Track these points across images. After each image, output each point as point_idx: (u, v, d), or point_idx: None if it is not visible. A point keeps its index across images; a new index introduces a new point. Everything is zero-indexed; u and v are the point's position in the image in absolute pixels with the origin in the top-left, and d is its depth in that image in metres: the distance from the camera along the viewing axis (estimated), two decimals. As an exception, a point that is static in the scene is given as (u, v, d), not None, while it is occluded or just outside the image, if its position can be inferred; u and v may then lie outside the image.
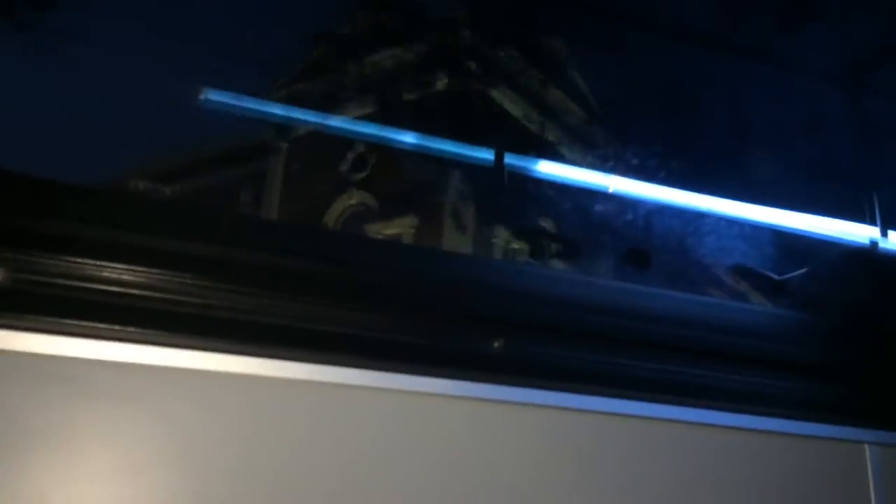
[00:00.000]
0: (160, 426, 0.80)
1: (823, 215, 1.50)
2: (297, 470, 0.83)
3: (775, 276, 1.26)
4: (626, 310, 1.04)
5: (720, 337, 1.06)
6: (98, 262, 0.83)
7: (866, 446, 1.07)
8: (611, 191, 1.52)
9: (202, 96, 1.49)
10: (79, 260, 0.82)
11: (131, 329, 0.81)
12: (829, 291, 1.25)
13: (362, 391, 0.89)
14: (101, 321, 0.80)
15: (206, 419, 0.81)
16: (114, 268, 0.83)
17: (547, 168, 1.55)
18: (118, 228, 0.86)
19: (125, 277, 0.84)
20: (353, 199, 8.36)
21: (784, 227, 1.50)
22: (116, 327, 0.81)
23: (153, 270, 0.85)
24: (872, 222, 1.47)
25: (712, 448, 1.02)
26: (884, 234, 1.44)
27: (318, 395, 0.87)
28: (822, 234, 1.51)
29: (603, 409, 0.99)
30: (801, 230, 1.50)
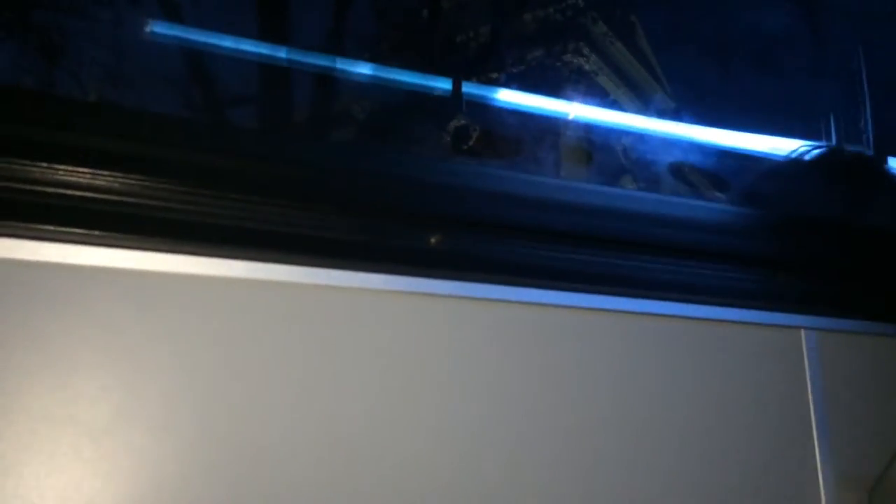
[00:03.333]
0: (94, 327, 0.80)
1: (778, 135, 1.49)
2: (229, 366, 0.83)
3: (715, 173, 1.26)
4: (563, 204, 1.05)
5: (656, 229, 1.07)
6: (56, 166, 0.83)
7: (802, 331, 1.09)
8: (570, 117, 1.51)
9: (147, 28, 1.44)
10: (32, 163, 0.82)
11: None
12: (771, 187, 1.26)
13: (297, 288, 0.89)
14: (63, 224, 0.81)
15: (139, 318, 0.81)
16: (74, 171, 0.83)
17: (509, 96, 1.53)
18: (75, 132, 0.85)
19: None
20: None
21: (738, 148, 1.49)
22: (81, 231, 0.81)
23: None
24: (827, 139, 1.47)
25: (650, 337, 1.03)
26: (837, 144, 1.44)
27: (252, 292, 0.86)
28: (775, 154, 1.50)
29: (541, 301, 1.00)
30: (755, 150, 1.49)
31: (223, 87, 1.65)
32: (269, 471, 0.82)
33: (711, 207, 1.13)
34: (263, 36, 1.60)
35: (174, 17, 1.57)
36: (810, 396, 1.09)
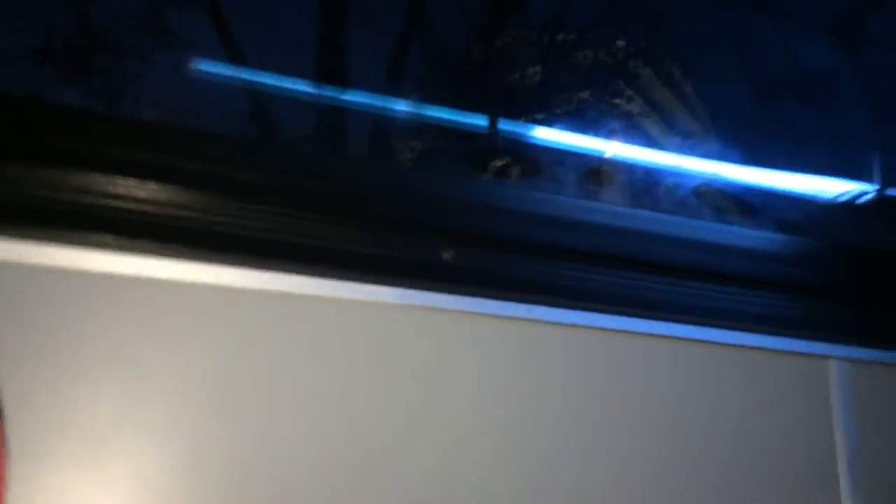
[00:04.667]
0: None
1: (822, 174, 1.45)
2: (235, 376, 0.84)
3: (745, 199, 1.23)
4: (582, 224, 1.04)
5: (679, 252, 1.05)
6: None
7: (832, 361, 1.04)
8: (607, 155, 1.51)
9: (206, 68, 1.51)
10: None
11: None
12: (803, 215, 1.22)
13: (306, 299, 0.90)
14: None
15: (144, 325, 0.84)
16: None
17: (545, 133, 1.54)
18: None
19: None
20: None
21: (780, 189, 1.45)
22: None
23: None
24: (870, 180, 1.42)
25: (671, 360, 1.01)
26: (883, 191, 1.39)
27: (260, 302, 0.88)
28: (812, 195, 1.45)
29: (556, 320, 0.99)
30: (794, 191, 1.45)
31: (278, 127, 1.71)
32: (270, 481, 0.83)
33: (740, 232, 1.10)
34: (320, 76, 1.67)
35: (237, 59, 1.65)
36: (837, 429, 1.03)
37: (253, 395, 0.84)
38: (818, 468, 1.03)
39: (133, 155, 0.88)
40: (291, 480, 0.84)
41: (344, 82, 1.64)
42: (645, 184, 1.44)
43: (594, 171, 1.26)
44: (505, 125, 1.48)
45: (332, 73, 1.68)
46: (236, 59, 1.64)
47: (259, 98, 1.67)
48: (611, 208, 1.07)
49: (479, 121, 1.51)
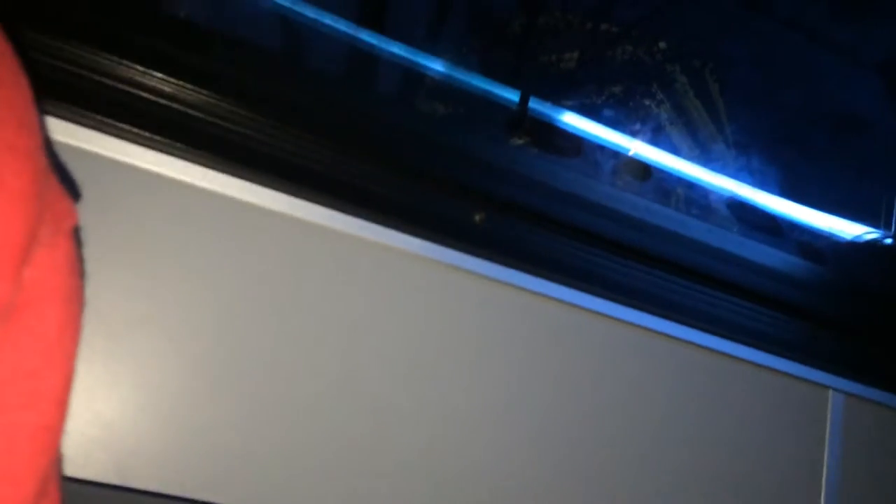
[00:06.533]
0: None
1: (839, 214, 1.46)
2: (252, 294, 0.84)
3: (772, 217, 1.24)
4: (613, 213, 1.04)
5: (703, 259, 1.05)
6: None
7: (830, 392, 1.06)
8: (631, 154, 1.51)
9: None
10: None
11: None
12: (825, 245, 1.24)
13: (332, 233, 0.90)
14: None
15: (174, 228, 0.82)
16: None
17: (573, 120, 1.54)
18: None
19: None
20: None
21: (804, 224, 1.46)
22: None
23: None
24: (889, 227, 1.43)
25: (677, 361, 1.02)
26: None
27: (286, 226, 0.87)
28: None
29: (569, 301, 0.99)
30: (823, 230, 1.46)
31: (309, 61, 1.68)
32: (273, 402, 0.83)
33: (762, 249, 1.11)
34: (359, 19, 1.63)
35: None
36: (825, 458, 1.05)
37: (267, 316, 0.84)
38: (803, 489, 1.05)
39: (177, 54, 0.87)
40: (293, 405, 0.83)
41: (381, 29, 1.62)
42: (672, 185, 1.44)
43: (627, 162, 1.26)
44: (536, 104, 1.47)
45: (371, 17, 1.65)
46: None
47: (295, 29, 1.64)
48: (641, 202, 1.07)
49: (511, 95, 1.49)
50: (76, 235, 0.57)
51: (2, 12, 0.58)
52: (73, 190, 0.71)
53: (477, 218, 0.99)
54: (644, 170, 1.21)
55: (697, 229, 1.07)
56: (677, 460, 1.00)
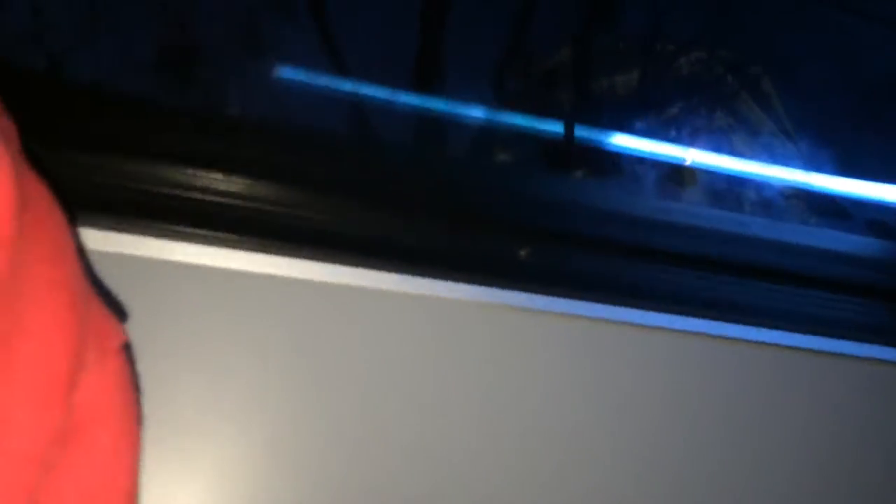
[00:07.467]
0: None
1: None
2: (315, 370, 0.86)
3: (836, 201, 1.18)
4: (662, 224, 1.04)
5: (765, 255, 1.03)
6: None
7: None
8: (688, 163, 1.49)
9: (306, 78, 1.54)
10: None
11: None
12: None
13: (382, 294, 0.89)
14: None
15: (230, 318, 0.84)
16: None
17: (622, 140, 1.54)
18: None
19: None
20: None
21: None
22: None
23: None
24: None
25: (750, 365, 0.98)
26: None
27: (345, 297, 0.88)
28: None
29: (630, 321, 0.98)
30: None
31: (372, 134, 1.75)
32: (346, 473, 0.85)
33: (829, 234, 1.06)
34: (415, 86, 1.70)
35: (339, 70, 1.69)
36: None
37: (330, 390, 0.85)
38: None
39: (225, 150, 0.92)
40: (367, 476, 0.85)
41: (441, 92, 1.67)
42: (728, 185, 1.41)
43: (677, 171, 1.25)
44: (582, 132, 1.48)
45: (428, 83, 1.71)
46: (340, 70, 1.68)
47: (357, 107, 1.72)
48: (686, 208, 1.06)
49: (559, 128, 1.51)
50: (126, 352, 0.60)
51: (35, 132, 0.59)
52: (118, 310, 0.74)
53: (523, 253, 1.01)
54: (691, 175, 1.20)
55: (752, 225, 1.04)
56: (793, 465, 0.97)
